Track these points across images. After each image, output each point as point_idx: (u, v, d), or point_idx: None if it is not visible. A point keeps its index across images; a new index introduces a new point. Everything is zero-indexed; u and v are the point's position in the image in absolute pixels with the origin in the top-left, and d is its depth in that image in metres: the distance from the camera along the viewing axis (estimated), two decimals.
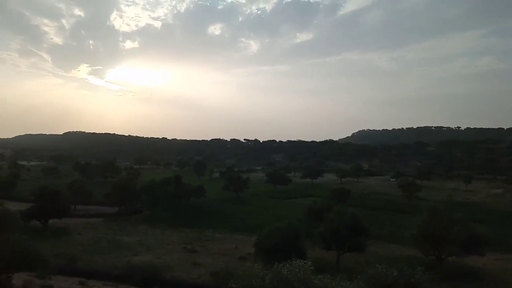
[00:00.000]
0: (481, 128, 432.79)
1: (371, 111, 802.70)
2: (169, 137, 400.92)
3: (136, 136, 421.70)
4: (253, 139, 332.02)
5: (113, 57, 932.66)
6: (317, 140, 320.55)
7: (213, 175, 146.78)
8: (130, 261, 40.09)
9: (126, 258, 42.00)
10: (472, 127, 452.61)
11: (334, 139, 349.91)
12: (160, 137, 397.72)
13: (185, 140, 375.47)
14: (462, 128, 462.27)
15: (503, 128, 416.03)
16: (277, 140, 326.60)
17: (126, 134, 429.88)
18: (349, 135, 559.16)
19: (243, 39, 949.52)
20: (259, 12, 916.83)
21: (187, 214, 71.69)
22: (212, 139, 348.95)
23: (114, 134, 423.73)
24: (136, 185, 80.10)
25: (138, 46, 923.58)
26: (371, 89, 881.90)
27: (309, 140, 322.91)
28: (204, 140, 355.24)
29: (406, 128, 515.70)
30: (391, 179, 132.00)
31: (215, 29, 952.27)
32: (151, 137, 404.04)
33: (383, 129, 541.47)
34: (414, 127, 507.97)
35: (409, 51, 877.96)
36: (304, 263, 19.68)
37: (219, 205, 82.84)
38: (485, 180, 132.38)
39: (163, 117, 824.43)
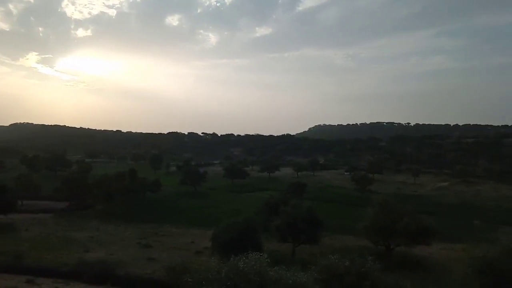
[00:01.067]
0: (429, 124, 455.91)
1: (327, 106, 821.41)
2: (124, 130, 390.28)
3: (88, 128, 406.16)
4: (211, 133, 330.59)
5: (64, 45, 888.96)
6: (275, 134, 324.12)
7: (170, 169, 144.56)
8: (81, 257, 38.97)
9: (77, 255, 40.77)
10: (421, 123, 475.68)
11: (292, 134, 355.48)
12: (114, 130, 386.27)
13: (141, 133, 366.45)
14: (412, 124, 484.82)
15: (450, 125, 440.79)
16: (235, 134, 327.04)
17: (78, 126, 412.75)
18: (306, 129, 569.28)
19: (201, 31, 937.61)
20: (218, 4, 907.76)
21: (142, 209, 70.30)
22: (169, 132, 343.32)
23: (65, 126, 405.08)
24: (88, 179, 77.38)
25: (91, 34, 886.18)
26: (328, 85, 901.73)
27: (267, 134, 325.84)
28: (160, 133, 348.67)
29: (360, 124, 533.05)
30: (345, 173, 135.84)
31: (173, 20, 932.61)
32: (104, 130, 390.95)
33: (338, 124, 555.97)
34: (368, 123, 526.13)
35: (364, 49, 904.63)
36: (260, 255, 19.91)
37: (176, 199, 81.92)
38: (432, 174, 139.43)
39: (118, 109, 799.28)
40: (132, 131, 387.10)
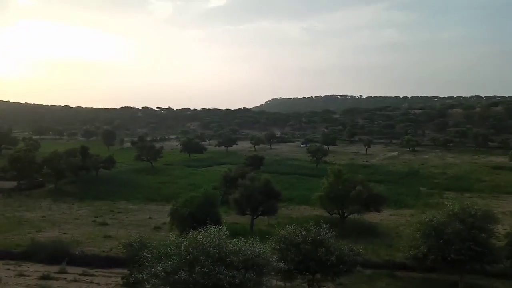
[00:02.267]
0: (380, 96, 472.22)
1: (284, 80, 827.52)
2: (73, 105, 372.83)
3: (34, 103, 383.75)
4: (166, 107, 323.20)
5: (4, 14, 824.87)
6: (232, 108, 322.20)
7: (124, 145, 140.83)
8: (33, 238, 37.77)
9: (29, 235, 39.55)
10: (372, 95, 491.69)
11: (248, 107, 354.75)
12: (62, 105, 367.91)
13: (92, 108, 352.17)
14: (364, 96, 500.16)
15: (399, 97, 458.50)
16: (192, 108, 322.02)
17: (23, 102, 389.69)
18: (263, 103, 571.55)
19: (153, 0, 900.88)
20: None
21: (97, 186, 68.43)
22: (122, 107, 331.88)
23: (8, 101, 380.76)
24: (37, 157, 73.75)
25: (34, 2, 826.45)
26: (284, 58, 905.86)
27: (224, 108, 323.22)
28: (113, 108, 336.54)
29: (315, 97, 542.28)
30: (301, 145, 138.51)
31: None
32: (51, 105, 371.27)
33: (294, 98, 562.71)
34: (322, 96, 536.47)
35: (319, 22, 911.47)
36: (219, 228, 20.15)
37: (132, 175, 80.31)
38: (382, 144, 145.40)
39: (65, 83, 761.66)
40: (82, 106, 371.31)
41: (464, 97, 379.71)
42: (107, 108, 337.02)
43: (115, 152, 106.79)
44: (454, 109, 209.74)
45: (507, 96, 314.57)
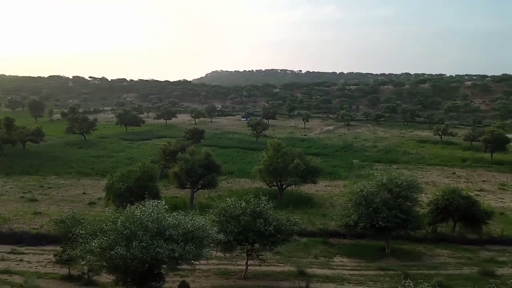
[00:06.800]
0: (319, 72, 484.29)
1: (224, 52, 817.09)
2: None
3: None
4: (100, 77, 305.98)
5: None
6: (171, 80, 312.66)
7: (53, 117, 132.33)
8: None
9: None
10: (311, 70, 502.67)
11: (188, 80, 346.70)
12: None
13: (16, 76, 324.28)
14: (303, 71, 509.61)
15: (336, 73, 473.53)
16: (128, 79, 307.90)
17: None
18: (203, 75, 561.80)
19: None
20: None
21: (24, 160, 64.09)
22: (50, 75, 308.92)
23: None
24: None
25: None
26: (226, 30, 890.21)
27: (163, 80, 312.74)
28: (40, 77, 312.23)
29: (256, 70, 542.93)
30: (242, 119, 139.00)
31: None
32: None
33: (235, 71, 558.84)
34: (263, 70, 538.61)
35: None
36: (158, 202, 19.90)
37: (63, 149, 76.17)
38: (319, 118, 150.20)
39: None
40: (6, 74, 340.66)
41: (395, 74, 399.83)
42: (34, 77, 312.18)
43: (43, 124, 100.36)
44: (385, 86, 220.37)
45: (434, 74, 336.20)
